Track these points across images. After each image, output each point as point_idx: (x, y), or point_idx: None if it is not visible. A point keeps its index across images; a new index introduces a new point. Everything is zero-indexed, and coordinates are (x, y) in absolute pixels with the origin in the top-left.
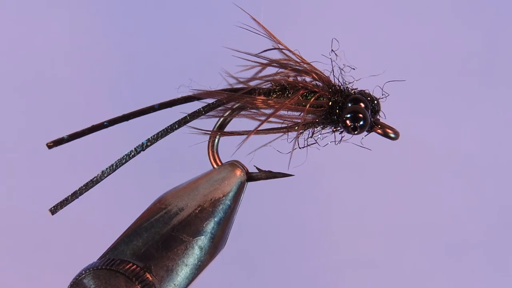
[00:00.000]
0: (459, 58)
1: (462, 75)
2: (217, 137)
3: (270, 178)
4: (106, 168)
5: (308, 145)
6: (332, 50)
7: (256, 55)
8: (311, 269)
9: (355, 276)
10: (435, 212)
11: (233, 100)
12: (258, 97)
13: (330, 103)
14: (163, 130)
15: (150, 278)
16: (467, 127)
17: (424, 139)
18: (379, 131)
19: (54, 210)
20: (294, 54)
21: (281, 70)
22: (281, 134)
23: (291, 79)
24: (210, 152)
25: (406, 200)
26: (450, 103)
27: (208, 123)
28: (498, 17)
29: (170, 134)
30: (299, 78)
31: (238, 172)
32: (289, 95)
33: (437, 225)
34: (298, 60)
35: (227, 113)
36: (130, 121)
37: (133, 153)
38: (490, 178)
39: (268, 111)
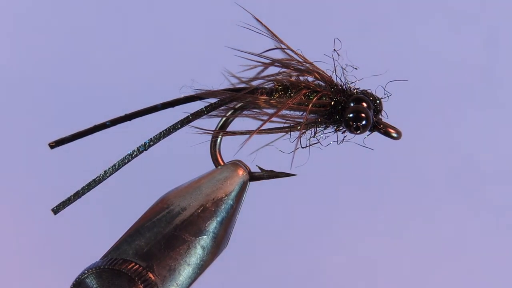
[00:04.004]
0: (460, 57)
1: (464, 75)
2: (220, 136)
3: (272, 177)
4: (109, 168)
5: (310, 145)
6: (334, 49)
7: (258, 55)
8: (313, 268)
9: (356, 276)
10: (435, 211)
11: (235, 99)
12: (260, 97)
13: (333, 102)
14: (166, 129)
15: (153, 278)
16: (468, 128)
17: (425, 138)
18: (381, 130)
19: (56, 210)
20: (296, 53)
21: (283, 69)
22: (283, 133)
23: (293, 78)
24: (213, 151)
25: (407, 200)
26: (450, 103)
27: (210, 122)
28: (500, 18)
29: (173, 133)
30: (301, 78)
31: (241, 172)
32: (292, 94)
33: (437, 225)
34: (301, 60)
35: (229, 113)
36: (133, 121)
37: (135, 153)
38: (490, 178)
39: (270, 111)
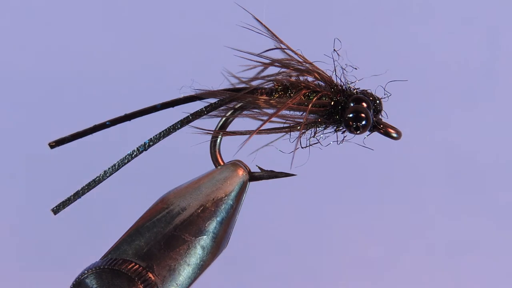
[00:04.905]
0: (460, 57)
1: (464, 75)
2: (219, 136)
3: (272, 177)
4: (109, 168)
5: (310, 145)
6: (334, 49)
7: (258, 55)
8: (312, 268)
9: (355, 276)
10: (435, 211)
11: (235, 99)
12: (260, 97)
13: (332, 103)
14: (166, 129)
15: (153, 278)
16: (468, 128)
17: (425, 139)
18: (381, 130)
19: (56, 210)
20: (296, 53)
21: (283, 69)
22: (283, 134)
23: (293, 78)
24: (212, 151)
25: (408, 200)
26: (451, 103)
27: (210, 122)
28: (500, 18)
29: (173, 133)
30: (301, 78)
31: (240, 172)
32: (291, 94)
33: (437, 225)
34: (300, 60)
35: (229, 113)
36: (132, 120)
37: (135, 153)
38: (490, 178)
39: (270, 111)
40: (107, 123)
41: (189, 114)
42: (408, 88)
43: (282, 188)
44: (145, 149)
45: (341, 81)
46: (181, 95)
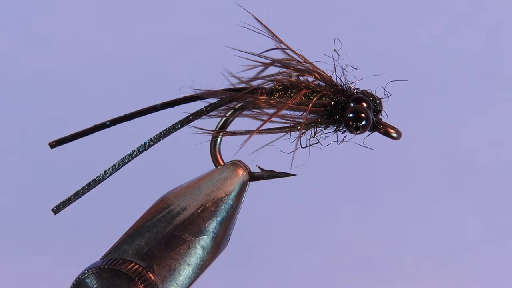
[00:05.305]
0: (461, 57)
1: (464, 75)
2: (220, 136)
3: (272, 177)
4: (109, 168)
5: (310, 145)
6: (334, 49)
7: (258, 55)
8: (313, 268)
9: (355, 276)
10: (435, 211)
11: (236, 99)
12: (261, 97)
13: (333, 102)
14: (166, 129)
15: (153, 278)
16: (468, 128)
17: (425, 138)
18: (381, 131)
19: (56, 210)
20: (296, 53)
21: (283, 69)
22: (283, 133)
23: (293, 78)
24: (213, 151)
25: (408, 200)
26: (451, 103)
27: (211, 122)
28: (500, 17)
29: (173, 133)
30: (301, 78)
31: (241, 172)
32: (292, 94)
33: (437, 225)
34: (301, 60)
35: (229, 113)
36: (132, 120)
37: (135, 153)
38: (490, 178)
39: (270, 111)
40: (107, 123)
41: (189, 114)
42: (408, 88)
43: (282, 188)
44: (145, 149)
45: (341, 81)
46: (181, 95)
